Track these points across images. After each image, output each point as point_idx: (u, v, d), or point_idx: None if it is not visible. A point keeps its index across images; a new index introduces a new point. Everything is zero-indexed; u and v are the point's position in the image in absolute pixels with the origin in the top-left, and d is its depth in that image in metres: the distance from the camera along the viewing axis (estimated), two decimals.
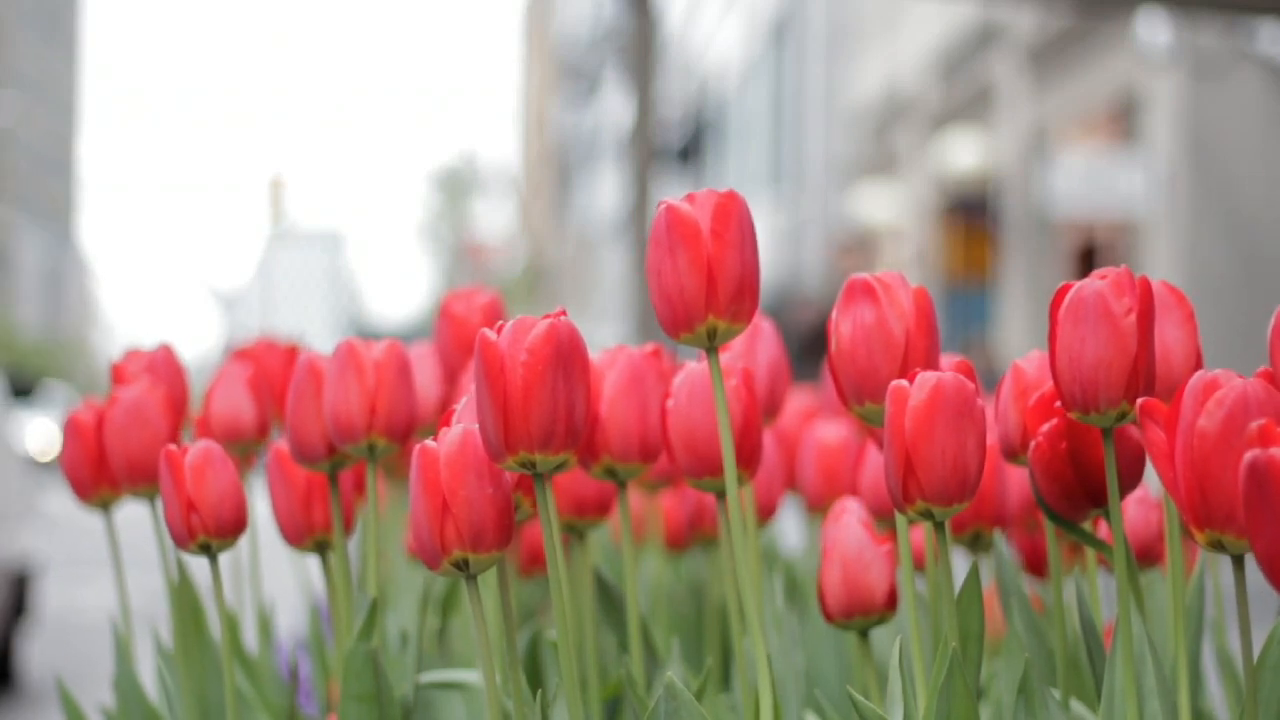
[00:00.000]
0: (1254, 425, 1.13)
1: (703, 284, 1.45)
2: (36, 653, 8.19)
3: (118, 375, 2.09)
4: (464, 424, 1.45)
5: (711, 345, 1.48)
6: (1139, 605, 1.52)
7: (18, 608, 7.28)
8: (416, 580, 2.53)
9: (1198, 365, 1.53)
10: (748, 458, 1.66)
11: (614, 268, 37.82)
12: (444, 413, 2.13)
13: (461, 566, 1.42)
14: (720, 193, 1.46)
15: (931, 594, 1.68)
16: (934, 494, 1.38)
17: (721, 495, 1.67)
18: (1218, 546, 1.26)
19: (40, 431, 16.39)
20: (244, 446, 2.10)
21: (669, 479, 2.06)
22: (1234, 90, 13.24)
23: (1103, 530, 1.80)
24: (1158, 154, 13.58)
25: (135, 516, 3.19)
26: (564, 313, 1.42)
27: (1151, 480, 1.71)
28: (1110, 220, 14.89)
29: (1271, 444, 1.10)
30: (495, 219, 66.92)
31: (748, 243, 1.46)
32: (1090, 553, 1.69)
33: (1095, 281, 1.40)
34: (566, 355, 1.39)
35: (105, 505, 2.00)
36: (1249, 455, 1.07)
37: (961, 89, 18.59)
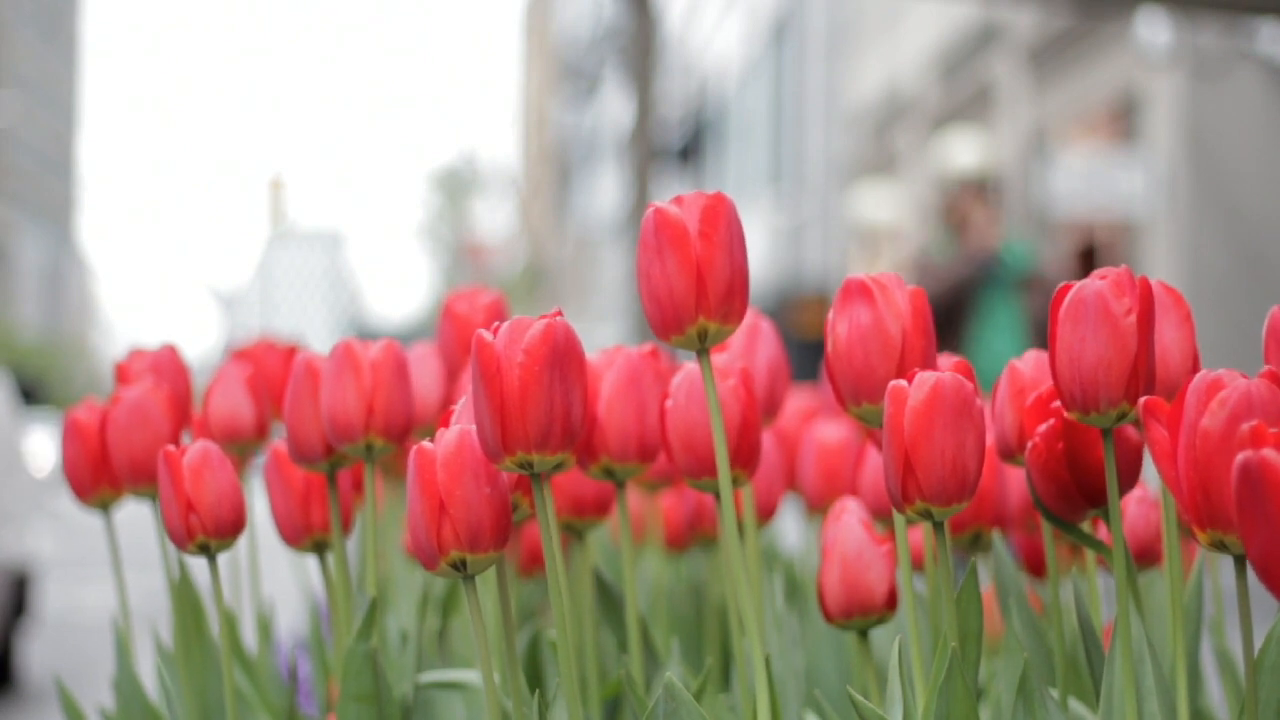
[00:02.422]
0: (1245, 427, 1.13)
1: (692, 286, 1.45)
2: (36, 653, 8.19)
3: (121, 375, 2.09)
4: (462, 424, 1.45)
5: (702, 347, 1.48)
6: (1137, 605, 1.53)
7: (18, 608, 7.28)
8: (416, 580, 2.53)
9: (1195, 366, 1.53)
10: (746, 458, 1.66)
11: (614, 268, 37.84)
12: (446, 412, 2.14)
13: (459, 567, 1.42)
14: (708, 194, 1.46)
15: (931, 594, 1.68)
16: (933, 494, 1.38)
17: (719, 496, 1.67)
18: (1220, 547, 1.26)
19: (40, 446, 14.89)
20: (243, 447, 2.10)
21: (668, 479, 2.06)
22: (1234, 90, 13.24)
23: (1102, 530, 1.80)
24: (1158, 154, 13.58)
25: (135, 516, 3.19)
26: (560, 313, 1.43)
27: (1151, 479, 1.71)
28: (1110, 220, 14.88)
29: (1263, 445, 1.10)
30: (495, 219, 66.95)
31: (736, 244, 1.46)
32: (1089, 552, 1.69)
33: (1095, 282, 1.41)
34: (563, 355, 1.39)
35: (105, 505, 1.99)
36: (1240, 457, 1.06)
37: (961, 89, 18.58)
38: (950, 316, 6.69)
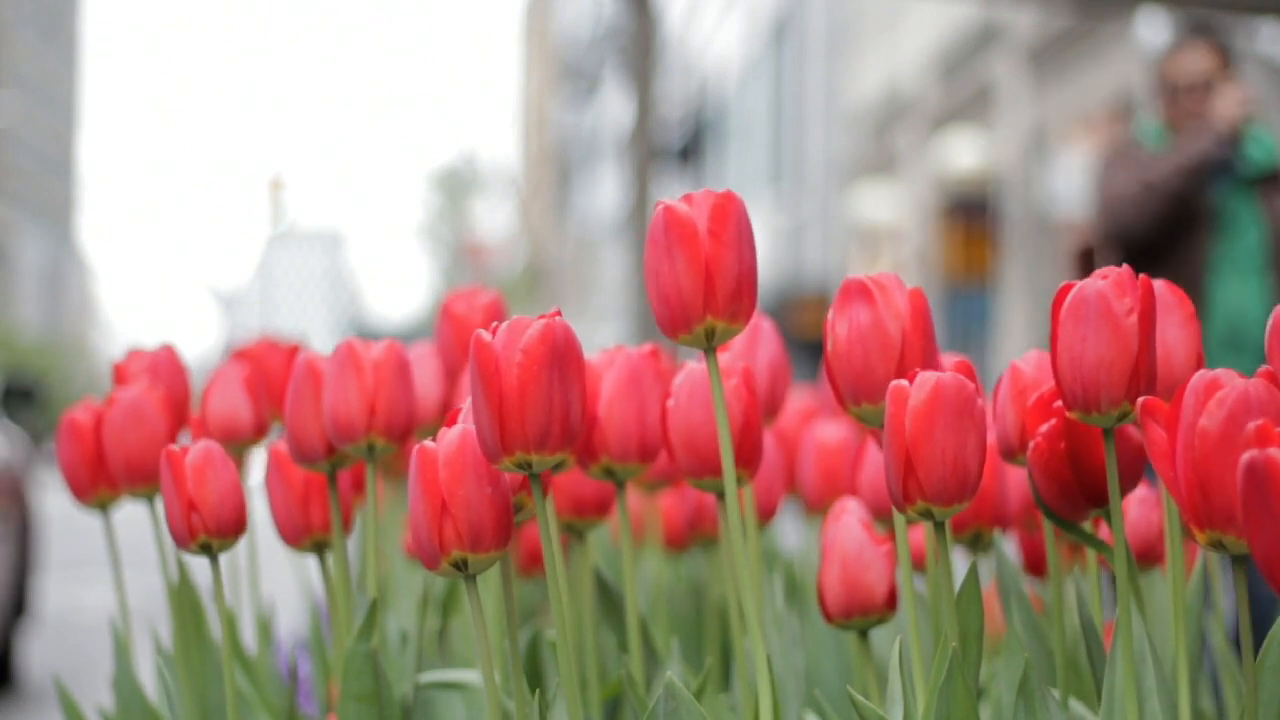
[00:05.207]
0: (1251, 426, 1.13)
1: (701, 284, 1.45)
2: (36, 653, 8.19)
3: (119, 375, 2.09)
4: (464, 424, 1.45)
5: (710, 346, 1.47)
6: (1139, 605, 1.52)
7: (18, 608, 7.27)
8: (416, 580, 2.53)
9: (1199, 365, 1.53)
10: (748, 457, 1.66)
11: (614, 268, 37.82)
12: (445, 412, 2.14)
13: (460, 567, 1.42)
14: (717, 193, 1.46)
15: (931, 594, 1.68)
16: (934, 494, 1.38)
17: (722, 495, 1.67)
18: (1218, 546, 1.26)
19: None
20: (241, 446, 2.10)
21: (668, 479, 2.06)
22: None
23: (1103, 530, 1.80)
24: None
25: (135, 516, 3.19)
26: (558, 313, 1.42)
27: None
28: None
29: (1269, 444, 1.09)
30: (495, 219, 66.95)
31: (745, 243, 1.46)
32: (1090, 552, 1.69)
33: (1097, 281, 1.41)
34: (561, 355, 1.39)
35: (103, 506, 1.99)
36: (1246, 456, 1.07)
37: (961, 89, 18.58)
38: (1177, 220, 4.39)
